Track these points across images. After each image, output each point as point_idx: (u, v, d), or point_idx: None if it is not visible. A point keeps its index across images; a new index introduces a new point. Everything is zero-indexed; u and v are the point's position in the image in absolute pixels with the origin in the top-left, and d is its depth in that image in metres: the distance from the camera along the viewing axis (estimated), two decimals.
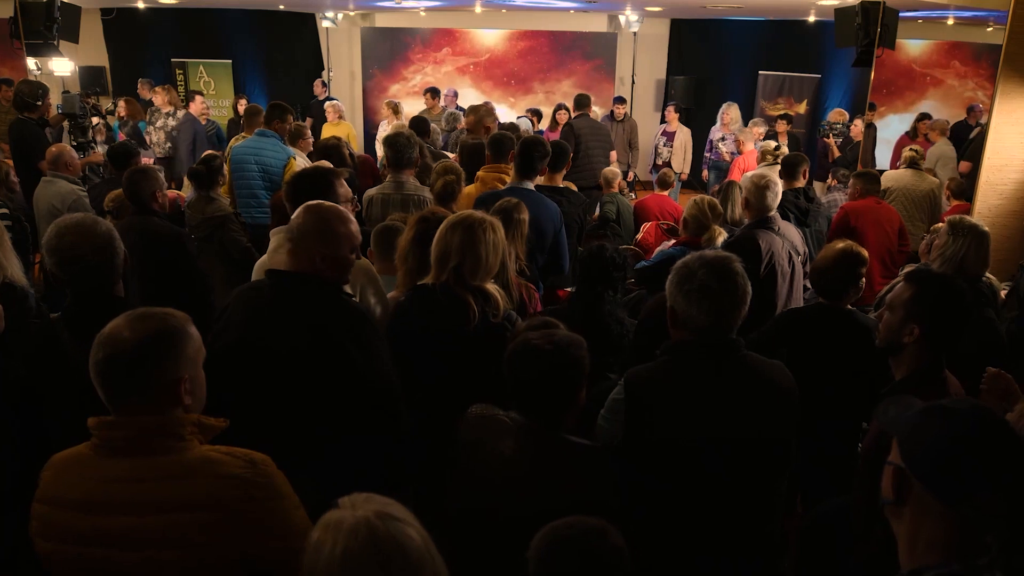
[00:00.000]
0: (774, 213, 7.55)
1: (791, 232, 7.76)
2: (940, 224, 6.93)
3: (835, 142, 16.75)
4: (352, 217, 4.57)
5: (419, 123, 12.32)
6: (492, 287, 5.04)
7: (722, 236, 7.77)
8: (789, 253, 7.47)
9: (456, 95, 19.23)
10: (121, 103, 17.56)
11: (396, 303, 5.27)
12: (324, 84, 21.16)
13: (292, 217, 4.49)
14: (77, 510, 3.05)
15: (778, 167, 11.45)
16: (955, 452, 2.50)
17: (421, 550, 2.44)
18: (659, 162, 17.53)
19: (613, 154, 15.75)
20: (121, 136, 16.82)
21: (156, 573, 3.00)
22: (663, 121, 17.94)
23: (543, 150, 7.84)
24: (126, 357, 3.08)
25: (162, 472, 3.06)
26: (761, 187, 7.45)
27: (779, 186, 7.57)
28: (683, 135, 17.93)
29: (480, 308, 4.87)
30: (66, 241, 4.46)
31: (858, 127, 16.18)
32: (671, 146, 17.79)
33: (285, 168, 9.98)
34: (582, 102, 14.69)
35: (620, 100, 17.91)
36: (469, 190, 8.33)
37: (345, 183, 5.75)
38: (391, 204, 8.26)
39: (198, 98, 16.50)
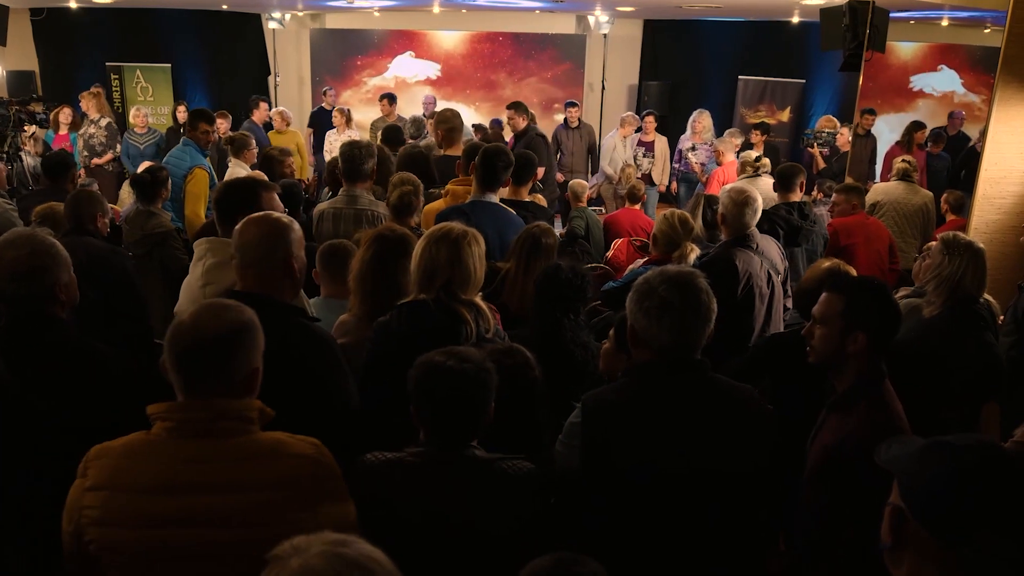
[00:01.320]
0: (753, 230, 7.48)
1: (770, 249, 7.72)
2: (933, 243, 6.90)
3: (820, 152, 16.76)
4: (296, 226, 4.61)
5: (392, 132, 12.25)
6: (481, 301, 5.10)
7: (694, 253, 7.73)
8: (768, 273, 7.43)
9: (435, 101, 19.15)
10: (66, 110, 17.41)
11: (377, 324, 5.16)
12: (323, 94, 20.54)
13: (236, 232, 4.50)
14: (154, 493, 3.28)
15: (760, 179, 11.46)
16: (953, 489, 2.47)
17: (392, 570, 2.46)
18: (638, 175, 17.22)
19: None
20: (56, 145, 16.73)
21: (246, 550, 3.09)
22: (638, 130, 17.83)
23: (506, 159, 7.74)
24: (216, 344, 3.39)
25: (240, 453, 3.36)
26: (739, 203, 7.38)
27: (759, 202, 7.49)
28: (661, 144, 17.79)
29: (475, 322, 4.93)
30: (7, 257, 4.55)
31: (845, 136, 16.18)
32: (651, 156, 17.63)
33: (186, 179, 9.99)
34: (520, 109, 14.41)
35: (572, 104, 17.73)
36: (438, 204, 8.27)
37: (277, 197, 5.72)
38: (343, 219, 8.16)
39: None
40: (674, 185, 17.62)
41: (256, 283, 4.42)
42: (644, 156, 17.65)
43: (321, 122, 19.00)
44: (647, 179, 17.37)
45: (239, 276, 4.48)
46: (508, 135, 14.52)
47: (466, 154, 8.71)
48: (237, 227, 4.51)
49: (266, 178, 7.52)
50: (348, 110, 17.36)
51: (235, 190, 5.68)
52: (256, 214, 4.61)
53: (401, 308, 5.07)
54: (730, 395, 4.09)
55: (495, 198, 7.73)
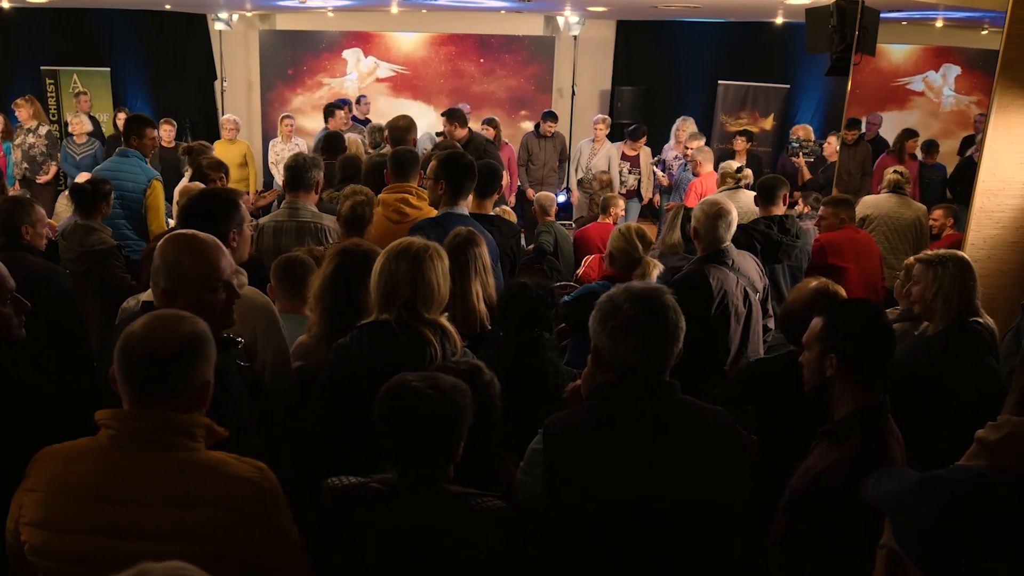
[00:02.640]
0: (727, 245, 7.46)
1: (748, 265, 7.71)
2: (909, 260, 6.88)
3: (805, 162, 16.73)
4: (225, 249, 4.58)
5: (333, 139, 12.19)
6: (446, 321, 5.14)
7: (657, 269, 7.67)
8: (745, 290, 7.43)
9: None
10: None
11: (336, 346, 5.17)
12: (357, 102, 20.03)
13: (156, 251, 4.45)
14: (90, 501, 3.37)
15: (742, 192, 11.40)
16: (945, 525, 2.46)
17: None
18: (623, 190, 17.20)
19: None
20: None
21: None
22: (622, 139, 17.76)
23: (470, 169, 7.74)
24: (170, 356, 3.47)
25: (180, 467, 3.43)
26: (712, 216, 7.39)
27: (734, 215, 7.48)
28: (646, 156, 17.70)
29: (440, 344, 4.95)
30: None
31: (832, 145, 16.16)
32: (638, 171, 17.52)
33: (146, 192, 9.90)
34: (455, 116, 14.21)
35: (550, 116, 17.77)
36: (376, 215, 8.16)
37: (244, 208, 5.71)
38: (284, 233, 8.19)
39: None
40: (656, 197, 17.58)
41: (180, 304, 4.25)
42: (630, 172, 17.53)
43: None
44: (634, 193, 17.37)
45: (164, 300, 4.37)
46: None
47: (395, 161, 8.71)
48: (160, 246, 4.46)
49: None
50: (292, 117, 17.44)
51: (204, 202, 5.66)
52: (180, 231, 4.61)
53: (361, 329, 5.08)
54: (701, 419, 4.10)
55: (465, 209, 7.74)
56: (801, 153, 16.79)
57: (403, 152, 8.82)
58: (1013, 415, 4.63)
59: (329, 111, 17.03)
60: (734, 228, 7.50)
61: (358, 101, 19.43)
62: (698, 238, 7.49)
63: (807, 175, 16.50)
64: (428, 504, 3.81)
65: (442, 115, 13.49)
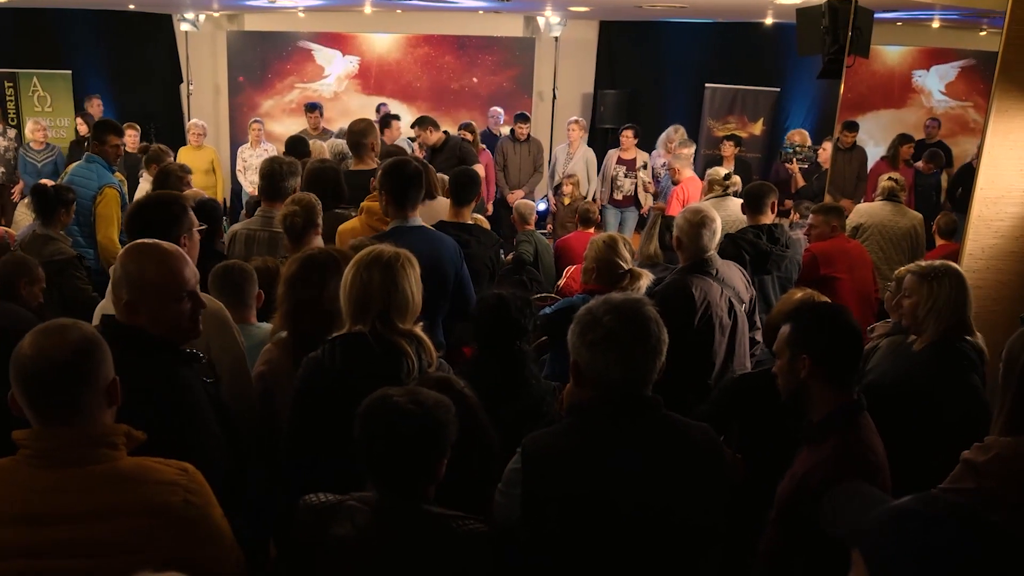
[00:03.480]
0: (712, 254, 7.44)
1: (733, 275, 7.68)
2: (901, 271, 6.85)
3: (799, 169, 16.71)
4: (188, 258, 4.62)
5: (296, 144, 12.15)
6: (421, 332, 5.09)
7: (647, 279, 7.55)
8: (730, 301, 7.41)
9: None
10: None
11: (307, 360, 5.11)
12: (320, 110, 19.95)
13: (118, 261, 4.48)
14: (19, 523, 3.37)
15: (730, 199, 11.35)
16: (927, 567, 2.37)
17: None
18: (619, 197, 17.26)
19: None
20: None
21: None
22: (613, 144, 17.68)
23: (413, 177, 7.65)
24: (63, 369, 3.45)
25: (101, 480, 3.45)
26: (696, 224, 7.37)
27: (717, 223, 7.46)
28: (643, 160, 17.48)
29: (417, 356, 4.92)
30: None
31: (827, 151, 16.12)
32: (634, 176, 17.31)
33: (96, 199, 9.93)
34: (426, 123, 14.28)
35: (522, 118, 17.73)
36: (352, 224, 8.18)
37: (194, 217, 5.77)
38: (256, 241, 8.18)
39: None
40: (646, 206, 17.47)
41: (127, 315, 4.40)
42: (626, 176, 17.36)
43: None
44: (631, 200, 17.32)
45: (125, 311, 4.40)
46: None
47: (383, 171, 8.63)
48: (121, 256, 4.49)
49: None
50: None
51: (152, 208, 5.75)
52: (142, 241, 4.59)
53: (334, 342, 5.02)
54: (685, 436, 4.11)
55: (418, 220, 7.66)
56: (795, 159, 16.77)
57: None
58: (1000, 436, 4.67)
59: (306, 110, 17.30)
60: (719, 237, 7.49)
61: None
62: (681, 247, 7.46)
63: (801, 182, 16.49)
64: (408, 525, 3.80)
65: (412, 126, 13.54)
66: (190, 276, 4.50)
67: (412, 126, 13.67)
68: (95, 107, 19.29)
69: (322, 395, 4.89)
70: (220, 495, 3.95)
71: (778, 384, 4.86)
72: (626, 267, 7.46)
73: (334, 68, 23.10)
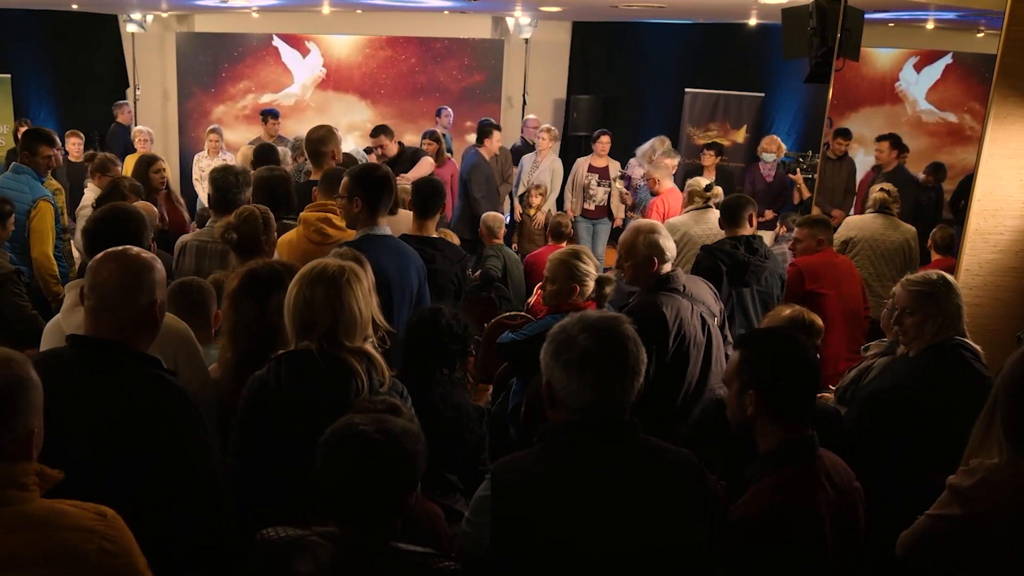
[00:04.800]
0: (676, 270, 7.40)
1: (700, 290, 7.62)
2: (896, 288, 6.83)
3: (804, 179, 16.69)
4: (160, 264, 4.68)
5: (265, 152, 12.10)
6: (372, 349, 5.10)
7: (611, 285, 7.50)
8: (702, 317, 7.35)
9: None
10: None
11: (253, 379, 5.11)
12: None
13: (89, 269, 4.54)
14: None
15: (711, 212, 11.28)
16: None
17: None
18: (591, 207, 17.19)
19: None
20: None
21: None
22: (587, 152, 17.61)
23: (388, 182, 7.63)
24: None
25: (8, 525, 3.33)
26: (650, 236, 7.30)
27: (667, 237, 7.39)
28: (616, 169, 17.44)
29: (367, 374, 4.93)
30: None
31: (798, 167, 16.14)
32: (607, 185, 17.22)
33: (30, 213, 9.88)
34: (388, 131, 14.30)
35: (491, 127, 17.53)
36: (290, 236, 8.16)
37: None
38: (207, 254, 8.16)
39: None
40: (620, 218, 17.39)
41: (110, 329, 4.41)
42: (598, 184, 17.27)
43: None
44: (604, 211, 17.26)
45: (91, 319, 4.48)
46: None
47: (326, 178, 8.71)
48: (93, 263, 4.55)
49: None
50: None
51: (111, 221, 5.89)
52: (114, 248, 4.61)
53: (279, 359, 5.03)
54: (664, 462, 4.11)
55: (387, 229, 7.63)
56: (799, 169, 16.77)
57: (337, 171, 8.74)
58: (986, 458, 4.66)
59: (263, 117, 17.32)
60: (672, 252, 7.43)
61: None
62: (629, 268, 7.40)
63: (806, 193, 16.48)
64: (375, 563, 3.78)
65: (372, 134, 13.52)
66: (158, 281, 4.59)
67: (372, 134, 13.61)
68: (125, 115, 19.49)
69: (268, 415, 4.88)
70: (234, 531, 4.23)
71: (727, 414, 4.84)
72: (590, 280, 7.37)
73: (299, 75, 23.08)
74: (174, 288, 6.36)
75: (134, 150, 17.28)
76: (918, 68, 19.29)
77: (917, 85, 19.22)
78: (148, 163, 11.21)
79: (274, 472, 4.78)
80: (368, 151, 14.54)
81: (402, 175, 12.43)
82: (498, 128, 16.57)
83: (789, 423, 4.55)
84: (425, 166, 13.69)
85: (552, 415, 4.15)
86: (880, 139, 14.94)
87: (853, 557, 4.69)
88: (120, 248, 4.61)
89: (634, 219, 13.70)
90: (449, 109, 20.19)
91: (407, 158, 13.36)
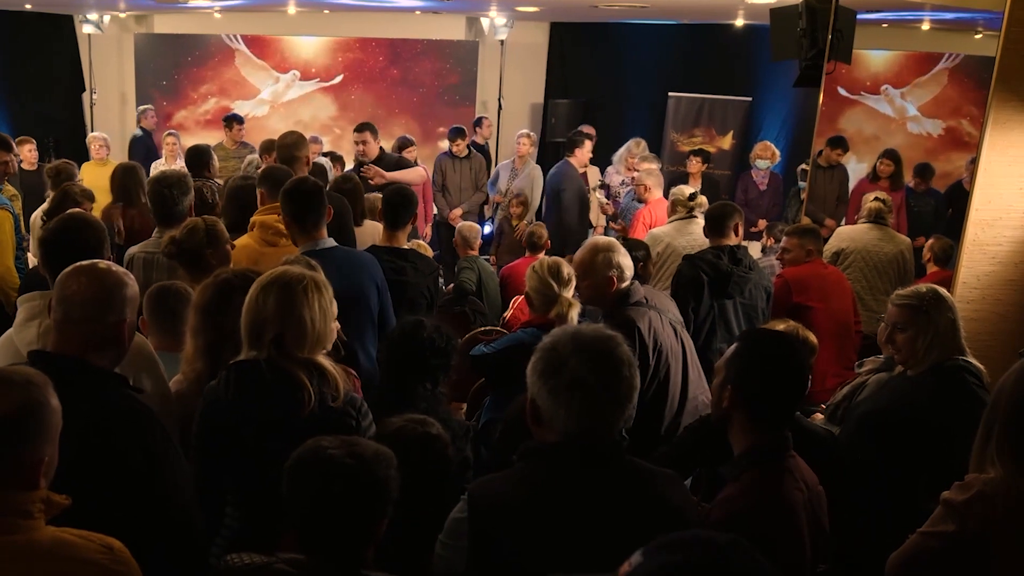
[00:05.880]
0: (633, 284, 7.40)
1: (662, 299, 7.74)
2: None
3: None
4: (134, 283, 4.73)
5: (196, 155, 12.06)
6: (327, 361, 5.08)
7: (575, 308, 7.50)
8: (672, 326, 7.41)
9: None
10: None
11: (207, 389, 5.17)
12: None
13: (57, 283, 4.58)
14: None
15: (696, 222, 11.24)
16: None
17: None
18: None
19: None
20: None
21: None
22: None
23: (314, 196, 7.64)
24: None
25: (12, 554, 3.34)
26: (608, 254, 7.31)
27: (625, 255, 7.39)
28: (594, 175, 17.46)
29: (317, 388, 4.91)
30: None
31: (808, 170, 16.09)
32: (614, 197, 17.14)
33: None
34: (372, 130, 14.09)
35: (459, 132, 17.52)
36: (245, 241, 8.15)
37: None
38: (155, 267, 8.10)
39: None
40: (600, 228, 17.37)
41: (76, 345, 4.44)
42: (608, 198, 17.20)
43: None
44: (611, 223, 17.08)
45: (56, 334, 4.51)
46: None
47: (269, 179, 8.61)
48: (62, 276, 4.57)
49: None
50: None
51: (68, 231, 5.88)
52: (87, 262, 4.65)
53: (230, 369, 5.08)
54: (649, 486, 4.08)
55: (330, 242, 7.68)
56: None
57: (280, 170, 8.72)
58: (982, 472, 4.65)
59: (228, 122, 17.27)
60: (630, 268, 7.43)
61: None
62: (586, 286, 7.44)
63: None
64: None
65: (355, 130, 13.40)
66: (129, 296, 4.64)
67: (356, 130, 13.48)
68: (149, 120, 19.57)
69: (220, 428, 4.95)
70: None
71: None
72: (556, 294, 7.38)
73: (251, 76, 23.01)
74: (152, 293, 6.39)
75: (157, 157, 17.34)
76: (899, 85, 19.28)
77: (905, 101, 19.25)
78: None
79: (226, 489, 4.86)
80: (330, 156, 14.55)
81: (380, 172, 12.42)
82: (590, 138, 16.51)
83: (761, 425, 4.63)
84: (413, 175, 13.54)
85: (534, 430, 4.11)
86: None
87: (822, 559, 4.77)
88: (91, 262, 4.63)
89: (617, 229, 13.71)
90: (489, 119, 20.21)
91: (389, 164, 13.26)
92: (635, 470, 4.09)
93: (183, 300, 6.25)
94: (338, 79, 23.10)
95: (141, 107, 20.42)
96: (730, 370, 4.69)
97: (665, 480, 4.15)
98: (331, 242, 7.63)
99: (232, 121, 17.42)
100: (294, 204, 7.53)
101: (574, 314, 7.39)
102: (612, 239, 7.53)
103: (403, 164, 13.66)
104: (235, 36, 22.83)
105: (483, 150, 18.40)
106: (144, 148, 18.76)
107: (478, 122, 19.86)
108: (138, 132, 19.74)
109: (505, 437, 5.77)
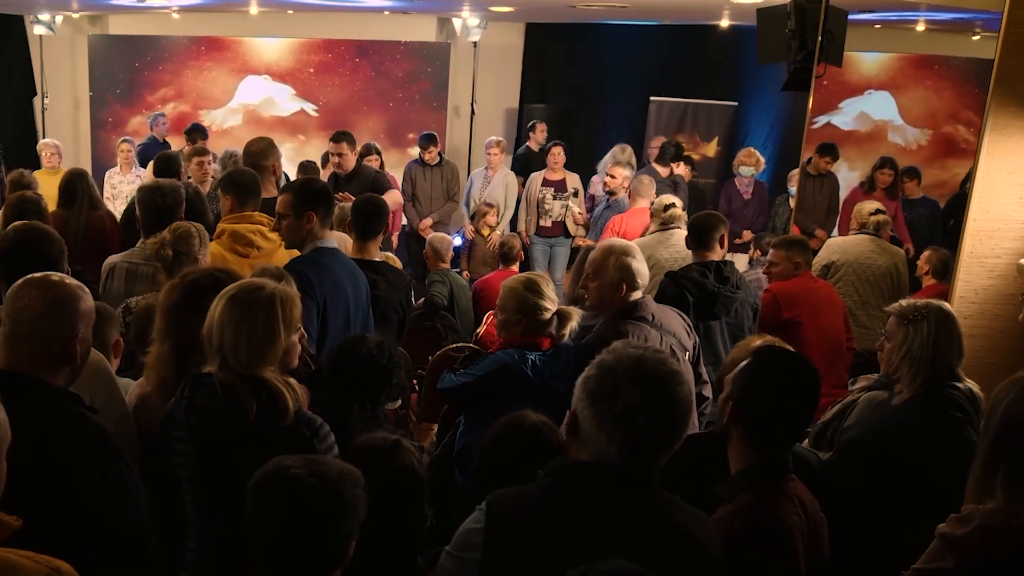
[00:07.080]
0: (645, 297, 7.37)
1: (671, 321, 7.63)
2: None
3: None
4: (88, 296, 4.74)
5: (166, 163, 12.05)
6: (277, 377, 5.04)
7: (576, 317, 7.39)
8: (672, 350, 7.23)
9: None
10: None
11: (170, 402, 5.21)
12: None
13: (10, 295, 4.60)
14: None
15: (676, 232, 11.18)
16: None
17: None
18: (547, 223, 17.13)
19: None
20: None
21: None
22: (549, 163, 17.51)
23: (330, 192, 7.76)
24: None
25: None
26: (622, 258, 7.27)
27: (642, 261, 7.37)
28: (574, 182, 17.31)
29: (257, 405, 4.89)
30: None
31: (795, 179, 16.08)
32: (564, 199, 17.11)
33: None
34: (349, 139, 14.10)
35: (430, 139, 17.55)
36: (213, 248, 8.13)
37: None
38: (138, 277, 8.15)
39: None
40: (578, 238, 17.30)
41: (27, 361, 4.46)
42: (555, 199, 17.16)
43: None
44: (560, 228, 17.17)
45: (5, 349, 4.52)
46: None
47: (235, 185, 8.71)
48: (13, 289, 4.60)
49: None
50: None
51: (24, 243, 6.07)
52: (39, 275, 4.68)
53: (187, 380, 5.11)
54: (677, 519, 4.05)
55: (334, 242, 7.72)
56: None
57: (248, 174, 8.70)
58: (980, 504, 4.60)
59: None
60: (646, 278, 7.40)
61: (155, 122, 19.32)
62: (594, 292, 7.37)
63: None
64: None
65: (332, 140, 13.35)
66: (85, 311, 4.65)
67: (333, 139, 13.41)
68: (160, 127, 19.39)
69: (178, 442, 4.99)
70: None
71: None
72: (551, 310, 7.26)
73: (212, 80, 22.95)
74: (144, 313, 6.42)
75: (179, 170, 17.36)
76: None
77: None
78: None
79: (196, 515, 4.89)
80: (304, 166, 14.52)
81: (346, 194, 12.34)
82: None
83: (760, 444, 4.66)
84: (389, 200, 13.45)
85: (568, 441, 4.14)
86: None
87: None
88: (44, 274, 4.65)
89: (584, 238, 13.66)
90: (543, 124, 20.09)
91: (365, 178, 13.17)
92: (666, 502, 4.06)
93: (106, 319, 6.19)
94: (299, 85, 23.03)
95: (152, 114, 20.29)
96: (735, 385, 4.70)
97: (696, 519, 4.14)
98: (334, 242, 7.68)
99: (196, 134, 17.27)
100: (315, 203, 7.54)
101: (574, 323, 7.32)
102: (631, 244, 7.47)
103: (379, 180, 13.55)
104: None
105: (531, 158, 18.39)
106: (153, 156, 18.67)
107: (531, 127, 19.88)
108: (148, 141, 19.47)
109: (484, 470, 5.72)
